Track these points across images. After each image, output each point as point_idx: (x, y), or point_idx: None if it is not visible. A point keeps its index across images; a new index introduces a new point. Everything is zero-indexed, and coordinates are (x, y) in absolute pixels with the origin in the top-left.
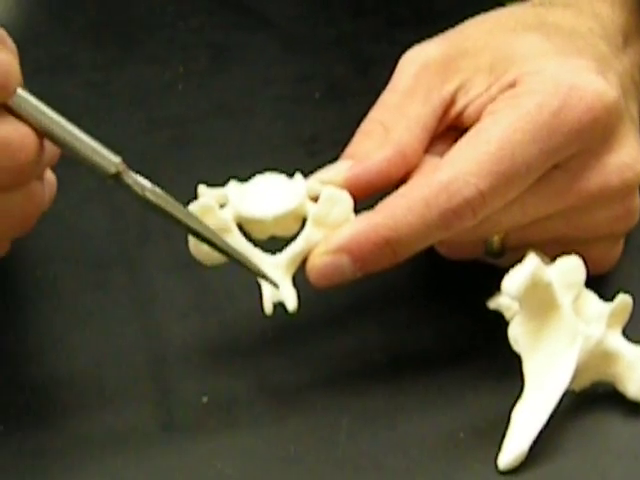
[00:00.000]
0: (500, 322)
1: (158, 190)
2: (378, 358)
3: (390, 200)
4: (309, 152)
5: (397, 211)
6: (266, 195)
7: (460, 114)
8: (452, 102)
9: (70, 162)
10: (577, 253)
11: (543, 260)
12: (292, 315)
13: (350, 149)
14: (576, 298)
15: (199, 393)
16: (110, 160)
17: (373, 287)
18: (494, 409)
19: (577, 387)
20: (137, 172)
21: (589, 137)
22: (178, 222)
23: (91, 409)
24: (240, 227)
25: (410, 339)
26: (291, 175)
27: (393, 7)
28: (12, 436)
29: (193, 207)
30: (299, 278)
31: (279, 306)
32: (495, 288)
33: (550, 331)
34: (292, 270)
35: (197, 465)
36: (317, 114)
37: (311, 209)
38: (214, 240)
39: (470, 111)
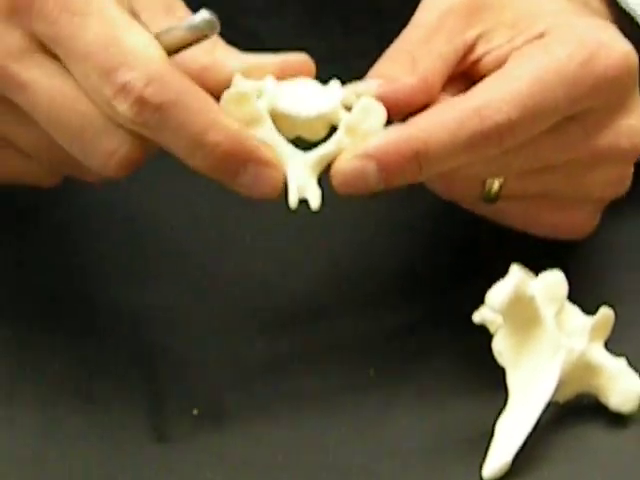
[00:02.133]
0: (485, 334)
1: None
2: (366, 369)
3: (423, 116)
4: None
5: (430, 126)
6: (302, 95)
7: (477, 61)
8: (472, 48)
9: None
10: (563, 214)
11: (526, 274)
12: (315, 212)
13: (377, 71)
14: (559, 312)
15: (189, 405)
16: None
17: (360, 296)
18: (479, 420)
19: (561, 399)
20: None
21: (610, 93)
22: None
23: (83, 420)
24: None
25: (396, 350)
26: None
27: (383, 24)
28: (10, 447)
29: (230, 94)
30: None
31: (303, 204)
32: (480, 300)
33: (533, 344)
34: (318, 170)
35: (188, 476)
36: None
37: (344, 116)
38: None
39: (489, 59)
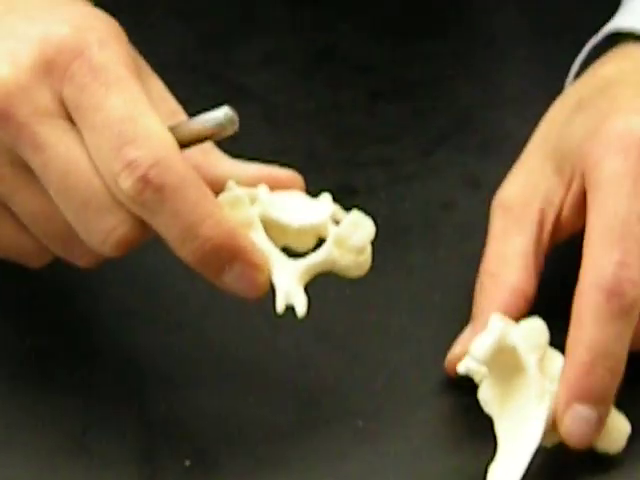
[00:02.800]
0: (471, 384)
1: None
2: (355, 421)
3: (570, 338)
4: None
5: (583, 338)
6: (294, 206)
7: (556, 222)
8: (543, 218)
9: None
10: None
11: (507, 322)
12: (301, 320)
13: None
14: (542, 358)
15: (182, 456)
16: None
17: (347, 350)
18: (470, 470)
19: (549, 443)
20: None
21: None
22: None
23: (76, 470)
24: None
25: (388, 402)
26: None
27: (370, 79)
28: None
29: (224, 197)
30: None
31: (289, 310)
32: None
33: (518, 391)
34: (306, 278)
35: None
36: None
37: (333, 229)
38: None
39: (565, 215)
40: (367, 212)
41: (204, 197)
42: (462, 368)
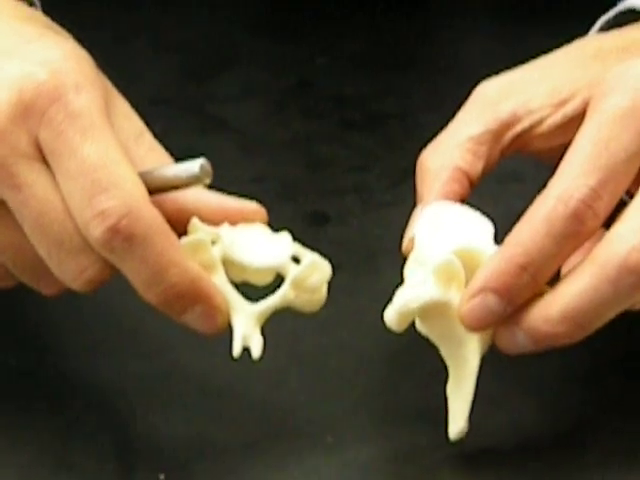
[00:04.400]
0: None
1: None
2: (325, 437)
3: (514, 231)
4: None
5: (523, 237)
6: (254, 244)
7: (526, 134)
8: (511, 123)
9: None
10: None
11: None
12: (256, 362)
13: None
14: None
15: (156, 470)
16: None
17: (317, 373)
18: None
19: (485, 351)
20: None
21: None
22: None
23: None
24: None
25: (357, 419)
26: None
27: (344, 110)
28: None
29: (187, 241)
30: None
31: (245, 351)
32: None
33: (449, 318)
34: (262, 321)
35: None
36: (271, 213)
37: (291, 270)
38: None
39: (541, 130)
40: (340, 238)
41: (170, 245)
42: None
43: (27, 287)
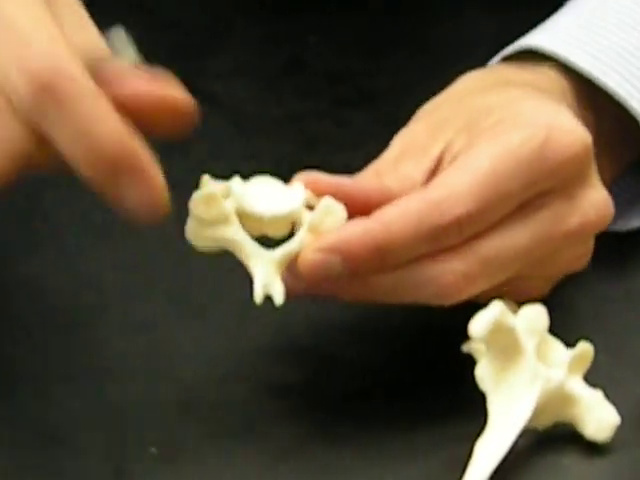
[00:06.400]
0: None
1: None
2: (314, 436)
3: (386, 210)
4: None
5: (392, 220)
6: (267, 195)
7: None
8: (440, 161)
9: None
10: (519, 289)
11: (507, 306)
12: (278, 308)
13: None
14: (540, 343)
15: (147, 444)
16: None
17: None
18: (460, 443)
19: (539, 426)
20: None
21: (568, 173)
22: None
23: (41, 461)
24: None
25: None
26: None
27: (337, 88)
28: None
29: (198, 195)
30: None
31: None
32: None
33: (513, 372)
34: (282, 267)
35: None
36: None
37: (306, 215)
38: None
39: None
40: None
41: (101, 104)
42: (466, 348)
43: None
